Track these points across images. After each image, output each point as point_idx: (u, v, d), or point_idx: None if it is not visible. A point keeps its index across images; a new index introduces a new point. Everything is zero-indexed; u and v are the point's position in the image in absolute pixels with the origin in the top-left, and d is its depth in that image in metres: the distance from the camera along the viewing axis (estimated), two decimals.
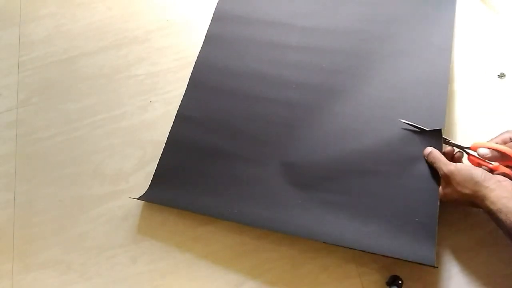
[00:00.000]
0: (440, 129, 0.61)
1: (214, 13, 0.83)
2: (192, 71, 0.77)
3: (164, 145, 0.70)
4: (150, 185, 0.68)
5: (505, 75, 0.73)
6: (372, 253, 0.58)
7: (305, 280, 0.60)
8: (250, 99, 0.73)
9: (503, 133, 0.58)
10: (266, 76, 0.75)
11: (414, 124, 0.64)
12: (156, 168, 0.69)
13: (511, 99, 0.70)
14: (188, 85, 0.75)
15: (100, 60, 0.81)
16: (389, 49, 0.74)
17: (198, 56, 0.78)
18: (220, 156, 0.69)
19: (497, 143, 0.57)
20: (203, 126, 0.71)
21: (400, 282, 0.57)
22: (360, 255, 0.60)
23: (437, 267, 0.55)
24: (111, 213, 0.67)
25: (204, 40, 0.80)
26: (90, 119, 0.75)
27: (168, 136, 0.71)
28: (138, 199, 0.65)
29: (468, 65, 0.74)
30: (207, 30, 0.81)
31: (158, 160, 0.69)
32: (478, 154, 0.58)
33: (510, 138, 0.57)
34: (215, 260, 0.62)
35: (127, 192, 0.68)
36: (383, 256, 0.57)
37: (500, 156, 0.57)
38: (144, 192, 0.67)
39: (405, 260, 0.56)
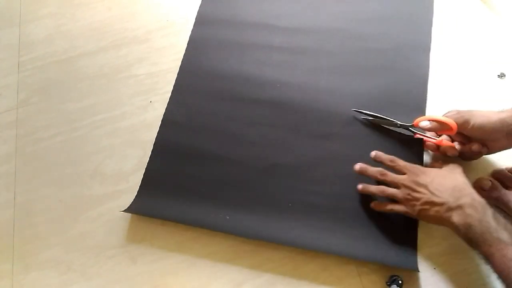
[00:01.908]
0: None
1: (196, 17, 0.83)
2: (177, 76, 0.76)
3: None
4: (137, 194, 0.66)
5: (505, 75, 0.73)
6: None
7: (305, 280, 0.60)
8: (235, 101, 0.73)
9: (448, 112, 0.62)
10: (250, 77, 0.75)
11: (368, 112, 0.67)
12: (143, 176, 0.68)
13: (511, 99, 0.70)
14: (172, 90, 0.75)
15: (100, 60, 0.81)
16: (371, 47, 0.76)
17: (182, 61, 0.78)
18: (208, 160, 0.68)
19: None
20: (189, 130, 0.71)
21: (400, 282, 0.57)
22: None
23: (419, 271, 0.57)
24: (111, 213, 0.67)
25: (187, 44, 0.80)
26: (90, 119, 0.75)
27: (154, 142, 0.70)
28: (124, 211, 0.64)
29: (468, 65, 0.74)
30: (190, 34, 0.80)
31: (145, 168, 0.68)
32: (420, 127, 0.62)
33: (457, 113, 0.60)
34: (215, 260, 0.62)
35: (127, 192, 0.68)
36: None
37: (440, 127, 0.60)
38: (131, 203, 0.65)
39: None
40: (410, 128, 0.65)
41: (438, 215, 0.54)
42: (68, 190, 0.69)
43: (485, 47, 0.76)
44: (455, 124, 0.59)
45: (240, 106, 0.72)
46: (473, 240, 0.50)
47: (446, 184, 0.55)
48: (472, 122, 0.58)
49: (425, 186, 0.56)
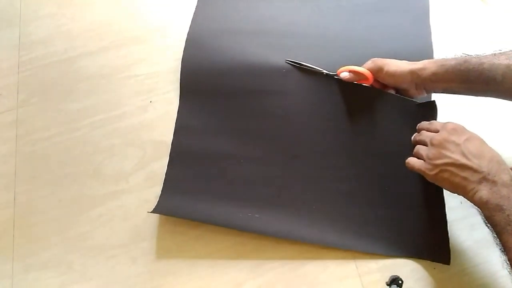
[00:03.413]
0: (434, 101, 0.62)
1: (192, 19, 0.81)
2: (180, 80, 0.75)
3: (164, 145, 0.70)
4: (160, 196, 0.66)
5: None
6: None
7: (305, 280, 0.60)
8: (243, 95, 0.72)
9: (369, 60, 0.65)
10: (253, 67, 0.73)
11: (301, 62, 0.70)
12: (164, 182, 0.67)
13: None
14: (180, 95, 0.74)
15: (100, 60, 0.81)
16: (373, 38, 0.77)
17: (182, 63, 0.76)
18: (227, 160, 0.67)
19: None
20: (204, 132, 0.70)
21: (400, 282, 0.57)
22: (360, 255, 0.61)
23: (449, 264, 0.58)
24: (111, 213, 0.67)
25: (185, 44, 0.78)
26: (90, 119, 0.75)
27: (171, 149, 0.70)
28: (151, 212, 0.63)
29: None
30: (187, 37, 0.78)
31: (164, 176, 0.67)
32: (341, 78, 0.66)
33: (372, 61, 0.64)
34: (215, 260, 0.62)
35: (127, 192, 0.68)
36: (387, 256, 0.59)
37: (357, 77, 0.65)
38: (156, 204, 0.65)
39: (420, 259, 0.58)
40: (335, 77, 0.67)
41: (464, 183, 0.48)
42: (68, 190, 0.69)
43: (485, 47, 0.76)
44: (371, 74, 0.63)
45: (249, 99, 0.71)
46: (499, 225, 0.45)
47: (484, 151, 0.49)
48: (385, 70, 0.61)
49: (456, 145, 0.50)
